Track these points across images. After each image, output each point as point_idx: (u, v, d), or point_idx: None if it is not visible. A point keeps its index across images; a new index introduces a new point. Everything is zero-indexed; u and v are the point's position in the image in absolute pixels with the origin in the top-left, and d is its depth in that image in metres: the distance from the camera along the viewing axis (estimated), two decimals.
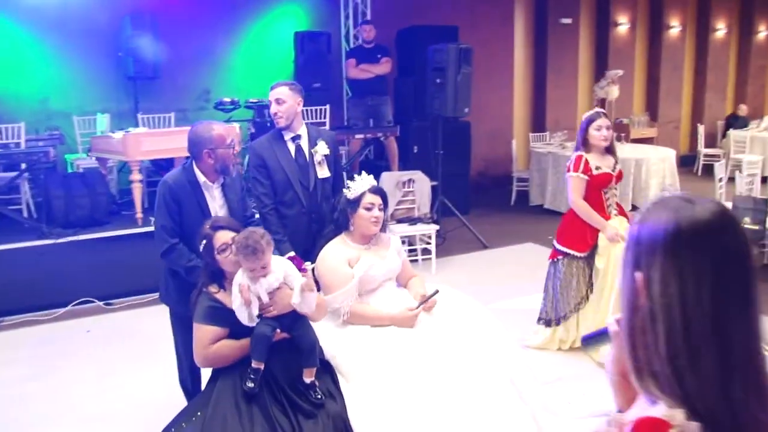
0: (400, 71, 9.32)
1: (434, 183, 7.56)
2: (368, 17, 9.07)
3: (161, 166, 7.02)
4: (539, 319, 4.89)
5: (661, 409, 1.02)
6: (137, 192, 6.17)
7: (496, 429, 2.92)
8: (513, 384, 3.15)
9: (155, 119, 7.99)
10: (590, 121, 4.56)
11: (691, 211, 1.05)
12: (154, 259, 5.67)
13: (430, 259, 6.84)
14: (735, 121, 13.25)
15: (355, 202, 3.39)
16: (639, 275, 1.06)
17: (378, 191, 3.45)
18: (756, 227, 6.28)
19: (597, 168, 4.53)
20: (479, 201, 9.82)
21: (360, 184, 3.45)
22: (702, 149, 12.93)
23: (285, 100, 3.86)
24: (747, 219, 6.28)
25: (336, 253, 3.36)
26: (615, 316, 1.33)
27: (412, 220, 6.87)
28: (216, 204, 3.43)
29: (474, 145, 9.71)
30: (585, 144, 4.58)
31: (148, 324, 5.44)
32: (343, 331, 3.21)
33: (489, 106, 10.64)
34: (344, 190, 3.49)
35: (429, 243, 6.88)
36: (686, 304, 1.01)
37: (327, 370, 2.98)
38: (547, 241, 7.96)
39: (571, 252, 4.61)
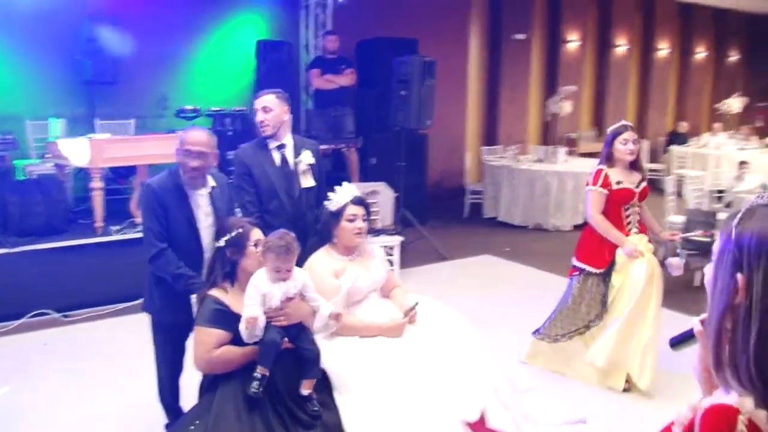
0: (360, 83, 9.36)
1: (396, 194, 7.62)
2: (329, 28, 9.10)
3: (120, 173, 6.88)
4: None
5: (732, 398, 1.11)
6: (98, 200, 6.03)
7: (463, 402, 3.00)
8: (495, 392, 3.22)
9: (114, 126, 7.81)
10: (616, 134, 4.40)
11: None
12: (114, 269, 5.55)
13: (392, 270, 6.87)
14: (676, 138, 13.76)
15: (338, 214, 3.38)
16: (741, 277, 1.12)
17: (360, 202, 3.45)
18: (707, 239, 6.52)
19: (618, 183, 4.37)
20: (434, 213, 9.92)
21: (342, 195, 3.44)
22: (646, 164, 13.34)
23: (272, 108, 3.84)
24: (699, 231, 6.51)
25: (322, 264, 3.35)
26: (699, 317, 1.43)
27: (375, 232, 6.90)
28: (201, 212, 3.38)
29: (429, 157, 9.82)
30: (609, 158, 4.42)
31: (108, 337, 5.32)
32: (332, 342, 3.20)
33: (444, 119, 10.74)
34: (326, 202, 3.47)
35: (391, 255, 6.92)
36: None
37: (323, 381, 2.98)
38: (504, 253, 8.14)
39: (587, 268, 4.50)
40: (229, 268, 2.97)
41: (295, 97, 9.09)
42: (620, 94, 14.05)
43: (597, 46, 13.73)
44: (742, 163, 8.84)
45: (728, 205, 8.04)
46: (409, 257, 7.70)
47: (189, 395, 3.61)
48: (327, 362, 3.07)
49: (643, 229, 4.55)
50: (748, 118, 14.79)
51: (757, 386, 1.09)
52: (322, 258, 3.39)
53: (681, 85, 15.72)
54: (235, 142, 7.78)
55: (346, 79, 8.08)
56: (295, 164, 3.96)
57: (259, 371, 2.72)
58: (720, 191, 8.64)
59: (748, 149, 12.31)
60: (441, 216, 10.05)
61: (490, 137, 12.03)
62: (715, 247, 1.22)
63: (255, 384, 2.69)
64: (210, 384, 2.92)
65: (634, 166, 4.44)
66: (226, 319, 2.84)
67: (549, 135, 12.24)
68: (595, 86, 13.80)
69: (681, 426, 1.19)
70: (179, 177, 3.35)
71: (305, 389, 2.80)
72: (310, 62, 8.75)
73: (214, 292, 2.92)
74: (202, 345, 2.83)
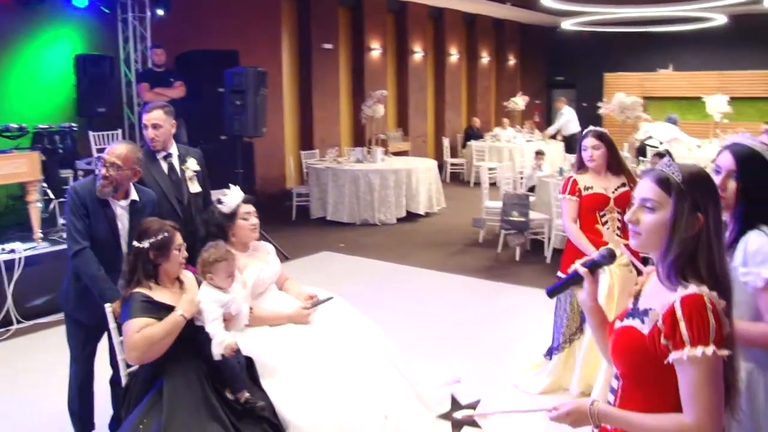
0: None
1: None
2: (148, 41, 9.11)
3: None
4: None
5: (692, 289, 1.66)
6: None
7: (386, 396, 3.47)
8: (392, 362, 3.72)
9: None
10: (582, 140, 4.27)
11: (707, 173, 1.75)
12: None
13: None
14: (472, 133, 15.17)
15: (233, 215, 3.63)
16: (700, 215, 1.68)
17: (250, 201, 3.72)
18: (522, 219, 7.53)
19: (588, 188, 4.20)
20: (262, 218, 10.18)
21: (232, 197, 3.68)
22: (448, 159, 14.62)
23: (161, 125, 4.00)
24: (515, 213, 7.50)
25: None
26: (580, 261, 2.00)
27: None
28: (120, 222, 3.50)
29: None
30: (581, 164, 4.28)
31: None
32: (246, 334, 3.39)
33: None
34: (217, 205, 3.68)
35: None
36: (721, 225, 1.71)
37: (249, 369, 3.19)
38: (340, 248, 8.71)
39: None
40: (151, 268, 3.07)
41: (119, 112, 9.03)
42: (420, 96, 15.23)
43: (397, 54, 14.78)
44: (538, 153, 10.12)
45: (532, 189, 9.20)
46: None
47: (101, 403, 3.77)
48: (249, 351, 3.27)
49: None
50: (528, 114, 16.65)
51: (711, 281, 1.67)
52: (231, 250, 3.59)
53: (470, 86, 17.31)
54: (67, 160, 7.65)
55: (176, 91, 8.16)
56: (182, 171, 4.16)
57: (241, 396, 2.96)
58: (524, 178, 9.83)
59: (534, 141, 13.95)
60: (270, 220, 10.36)
61: (306, 142, 12.55)
62: (657, 196, 1.72)
63: (255, 405, 2.95)
64: (144, 384, 3.02)
65: (614, 170, 4.25)
66: (153, 308, 2.98)
67: (361, 137, 13.01)
68: (397, 90, 14.84)
69: (660, 315, 1.68)
70: (96, 183, 3.43)
71: (241, 396, 3.02)
72: (138, 76, 8.72)
73: (139, 289, 3.02)
74: (129, 335, 2.92)
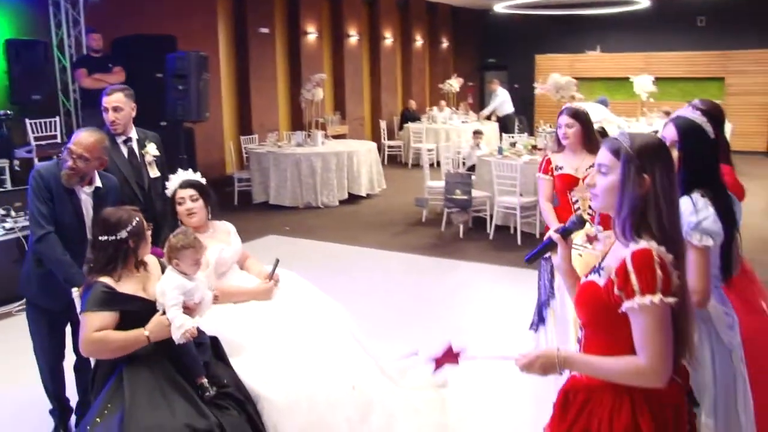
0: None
1: None
2: (81, 26, 8.91)
3: None
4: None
5: (642, 244, 1.85)
6: None
7: (352, 368, 3.61)
8: (355, 338, 3.85)
9: None
10: (558, 118, 4.25)
11: (658, 138, 1.94)
12: None
13: None
14: (408, 115, 15.35)
15: (172, 199, 3.67)
16: (647, 176, 1.86)
17: (188, 184, 3.68)
18: (465, 197, 7.75)
19: (558, 168, 4.22)
20: None
21: (173, 181, 3.71)
22: (385, 141, 14.77)
23: (122, 108, 4.00)
24: (458, 191, 7.71)
25: None
26: (553, 228, 2.19)
27: None
28: (85, 209, 3.48)
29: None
30: (558, 143, 4.27)
31: None
32: (211, 312, 3.38)
33: None
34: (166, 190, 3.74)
35: None
36: (671, 185, 1.87)
37: (215, 348, 3.22)
38: (285, 232, 8.77)
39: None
40: (130, 257, 3.03)
41: (55, 98, 8.82)
42: (356, 80, 15.31)
43: (332, 38, 14.81)
44: (476, 132, 10.36)
45: (471, 169, 9.44)
46: None
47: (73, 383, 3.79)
48: (215, 329, 3.30)
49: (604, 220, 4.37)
50: (462, 96, 16.94)
51: (660, 236, 1.85)
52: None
53: (405, 69, 17.48)
54: (3, 149, 7.48)
55: (115, 77, 7.98)
56: (141, 156, 4.16)
57: (200, 381, 2.96)
58: (464, 158, 10.06)
59: (469, 122, 14.24)
60: (212, 206, 10.33)
61: (245, 127, 12.50)
62: (609, 162, 1.92)
63: (207, 393, 2.92)
64: (107, 368, 2.99)
65: (590, 148, 4.12)
66: (114, 301, 2.95)
67: (299, 121, 13.02)
68: (334, 74, 14.87)
69: (614, 269, 1.87)
70: (60, 168, 3.39)
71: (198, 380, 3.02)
72: (75, 62, 8.53)
73: (104, 279, 2.97)
74: (87, 329, 2.89)
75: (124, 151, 4.12)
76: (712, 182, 2.48)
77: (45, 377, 3.70)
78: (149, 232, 3.13)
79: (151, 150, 4.19)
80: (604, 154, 1.94)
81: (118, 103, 4.01)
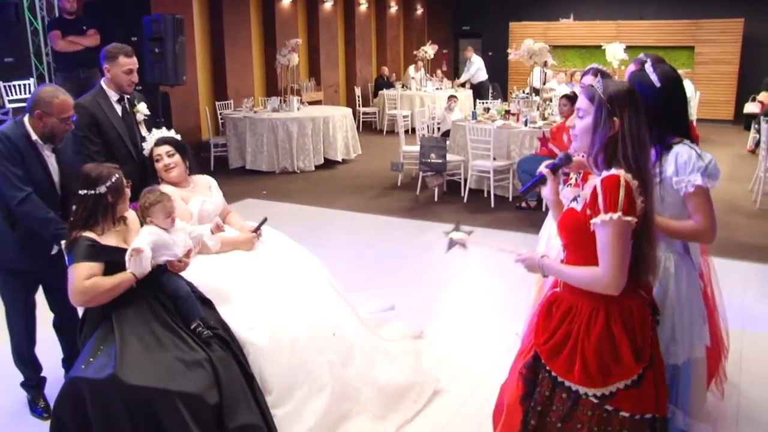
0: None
1: None
2: None
3: None
4: None
5: (612, 171, 2.09)
6: None
7: (332, 316, 3.75)
8: (334, 288, 4.00)
9: None
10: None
11: (628, 86, 2.13)
12: None
13: None
14: (383, 82, 15.40)
15: (150, 158, 3.80)
16: (616, 119, 2.08)
17: (163, 141, 3.80)
18: (440, 161, 7.90)
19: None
20: None
21: (148, 141, 3.83)
22: (360, 108, 14.83)
23: (136, 67, 4.08)
24: (433, 155, 7.85)
25: (170, 191, 3.61)
26: (545, 164, 2.40)
27: None
28: (51, 165, 3.50)
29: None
30: None
31: None
32: (196, 261, 3.50)
33: None
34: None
35: None
36: (639, 126, 2.09)
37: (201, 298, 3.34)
38: (263, 196, 8.86)
39: None
40: (108, 212, 3.12)
41: (27, 61, 8.76)
42: (331, 46, 15.28)
43: (307, 3, 14.74)
44: (451, 97, 10.48)
45: (446, 134, 9.58)
46: None
47: (45, 347, 3.83)
48: (200, 278, 3.42)
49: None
50: (437, 63, 17.00)
51: (627, 166, 2.08)
52: (167, 186, 3.69)
53: (380, 36, 17.46)
54: None
55: (89, 39, 7.92)
56: (133, 114, 4.20)
57: (195, 324, 3.10)
58: (440, 122, 10.19)
59: (443, 89, 14.33)
60: (189, 172, 10.36)
61: (220, 93, 12.47)
62: (585, 107, 2.16)
63: (203, 334, 3.07)
64: (96, 317, 3.10)
65: None
66: (99, 252, 3.06)
67: (274, 87, 13.02)
68: (308, 40, 14.82)
69: (588, 194, 2.13)
70: (25, 128, 3.41)
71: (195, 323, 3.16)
72: (49, 23, 8.42)
73: (87, 233, 3.08)
74: (76, 280, 3.00)
75: (118, 109, 4.13)
76: (686, 131, 2.67)
77: (20, 344, 3.70)
78: (128, 189, 3.19)
79: (142, 109, 4.23)
80: (581, 100, 2.20)
81: (135, 65, 4.07)
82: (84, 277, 2.99)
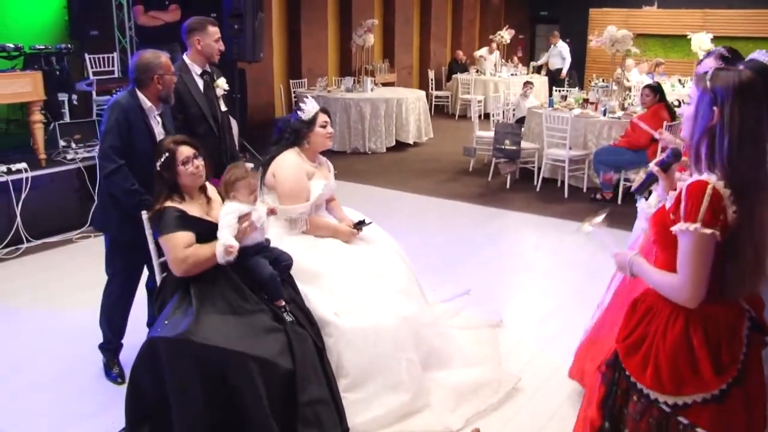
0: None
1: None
2: None
3: None
4: None
5: (703, 176, 1.96)
6: None
7: (409, 305, 3.65)
8: (414, 276, 3.91)
9: None
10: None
11: (743, 75, 1.96)
12: None
13: None
14: (456, 66, 15.23)
15: (311, 122, 3.66)
16: (716, 109, 1.95)
17: (326, 111, 3.77)
18: (514, 148, 7.76)
19: None
20: (252, 144, 10.33)
21: (311, 105, 3.71)
22: (433, 91, 14.71)
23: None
24: (507, 141, 7.71)
25: (297, 164, 3.61)
26: (653, 162, 2.38)
27: None
28: (157, 130, 3.59)
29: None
30: None
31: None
32: (295, 239, 3.58)
33: None
34: (297, 112, 3.70)
35: None
36: (744, 121, 1.93)
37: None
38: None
39: None
40: (171, 185, 3.19)
41: (111, 34, 8.96)
42: (406, 29, 15.18)
43: None
44: (527, 83, 10.28)
45: (520, 121, 9.40)
46: None
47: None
48: (296, 257, 3.41)
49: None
50: (513, 49, 16.69)
51: (721, 170, 1.94)
52: (295, 158, 3.63)
53: (455, 19, 17.27)
54: (64, 82, 7.64)
55: (171, 15, 8.03)
56: (214, 89, 4.25)
57: (279, 304, 3.14)
58: (514, 108, 10.01)
59: (518, 75, 14.08)
60: (260, 148, 10.46)
61: (294, 71, 12.55)
62: (693, 95, 2.03)
63: (286, 317, 3.10)
64: (174, 285, 3.16)
65: None
66: (188, 222, 3.13)
67: (348, 67, 13.02)
68: (384, 22, 14.76)
69: (674, 197, 2.02)
70: (138, 98, 3.52)
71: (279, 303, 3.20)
72: None
73: (170, 203, 3.15)
74: (174, 249, 3.07)
75: (200, 83, 4.18)
76: None
77: (114, 309, 3.79)
78: (185, 164, 3.18)
79: (222, 84, 4.28)
80: (692, 86, 2.09)
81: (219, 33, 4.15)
82: (183, 245, 3.06)
